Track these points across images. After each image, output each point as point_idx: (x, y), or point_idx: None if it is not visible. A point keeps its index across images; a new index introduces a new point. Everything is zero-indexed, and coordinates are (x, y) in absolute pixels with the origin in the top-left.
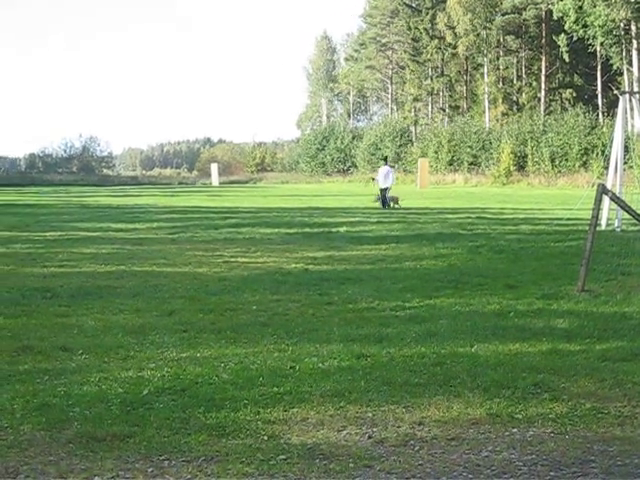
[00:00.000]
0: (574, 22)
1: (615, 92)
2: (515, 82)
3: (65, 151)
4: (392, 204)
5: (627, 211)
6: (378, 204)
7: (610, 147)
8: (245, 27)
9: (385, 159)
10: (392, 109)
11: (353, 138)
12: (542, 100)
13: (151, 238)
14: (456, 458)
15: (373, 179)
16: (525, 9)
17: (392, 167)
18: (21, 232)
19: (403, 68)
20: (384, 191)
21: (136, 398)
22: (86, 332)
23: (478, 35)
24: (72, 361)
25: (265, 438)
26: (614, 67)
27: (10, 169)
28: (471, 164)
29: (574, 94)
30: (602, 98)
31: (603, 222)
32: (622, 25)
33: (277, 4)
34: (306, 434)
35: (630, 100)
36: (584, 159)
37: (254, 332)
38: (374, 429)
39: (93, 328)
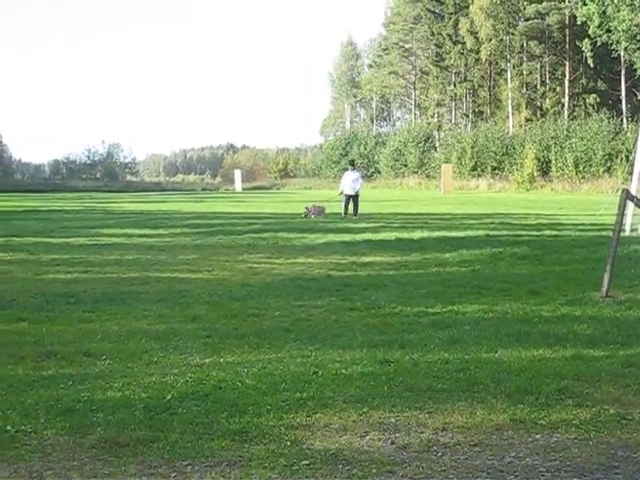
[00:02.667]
0: (598, 27)
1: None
2: (539, 87)
3: (89, 157)
4: (314, 215)
5: None
6: (306, 216)
7: (634, 152)
8: (270, 33)
9: (352, 163)
10: (415, 115)
11: (376, 144)
12: (566, 105)
13: (175, 244)
14: (479, 464)
15: (341, 193)
16: (548, 14)
17: (359, 172)
18: (45, 238)
19: (426, 74)
20: (353, 198)
21: (159, 403)
22: (110, 338)
23: (501, 40)
24: (96, 366)
25: (288, 443)
26: (638, 72)
27: (34, 175)
28: (495, 169)
29: (598, 99)
30: (626, 103)
31: (627, 227)
32: None
33: (302, 11)
34: (329, 439)
35: None
36: (608, 164)
37: (277, 338)
38: (397, 435)
39: (117, 334)
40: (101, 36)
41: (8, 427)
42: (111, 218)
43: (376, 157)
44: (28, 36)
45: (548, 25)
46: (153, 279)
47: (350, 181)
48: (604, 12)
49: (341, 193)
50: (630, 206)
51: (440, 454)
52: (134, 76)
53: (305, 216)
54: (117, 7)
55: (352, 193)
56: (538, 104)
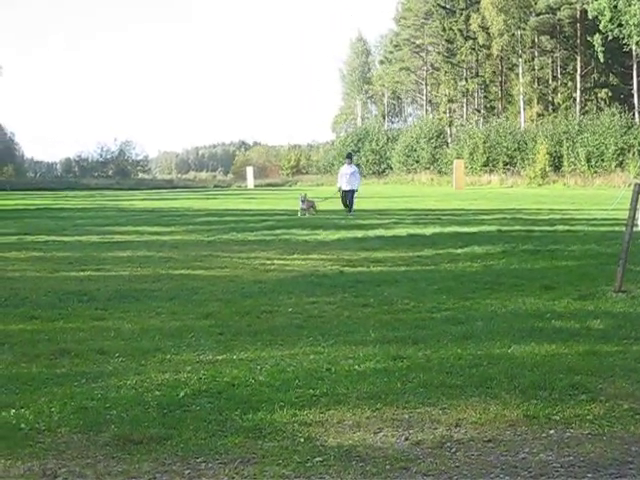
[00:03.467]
0: (609, 21)
1: None
2: (550, 82)
3: (101, 155)
4: (307, 212)
5: None
6: (300, 213)
7: None
8: (281, 29)
9: (349, 156)
10: (427, 110)
11: (388, 140)
12: (577, 100)
13: (187, 241)
14: (493, 460)
15: (339, 190)
16: (559, 9)
17: (357, 165)
18: (58, 236)
19: (437, 69)
20: (350, 193)
21: (173, 401)
22: (123, 335)
23: (512, 36)
24: (109, 364)
25: (301, 440)
26: None
27: (47, 174)
28: (506, 165)
29: (610, 94)
30: (638, 97)
31: None
32: None
33: (313, 6)
34: (342, 436)
35: None
36: (620, 159)
37: (290, 334)
38: (410, 431)
39: (130, 331)
40: (113, 34)
41: (22, 425)
42: (123, 216)
43: (388, 153)
44: (39, 35)
45: (559, 20)
46: (165, 276)
47: (347, 175)
48: (615, 6)
49: (339, 190)
50: None
51: (454, 450)
52: (146, 74)
53: (303, 213)
54: (132, 4)
55: (349, 188)
56: (550, 99)
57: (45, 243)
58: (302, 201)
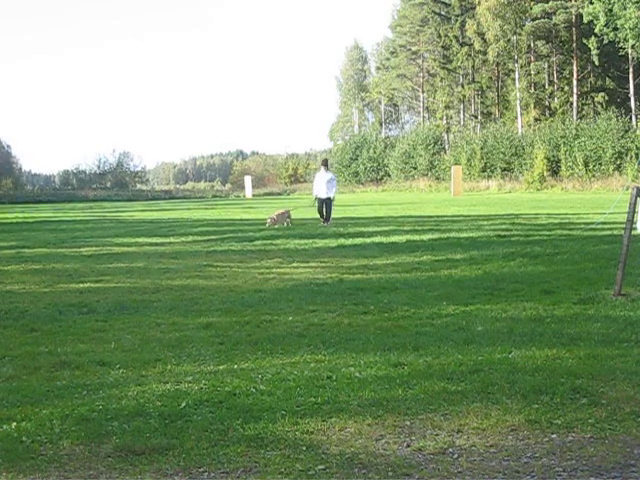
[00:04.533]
0: (604, 25)
1: None
2: (547, 87)
3: (99, 167)
4: (277, 224)
5: None
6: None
7: None
8: (276, 39)
9: (325, 163)
10: (424, 117)
11: (385, 147)
12: (574, 104)
13: (186, 251)
14: (495, 465)
15: (316, 198)
16: (555, 13)
17: (333, 173)
18: (57, 248)
19: (434, 76)
20: (327, 202)
21: (174, 411)
22: (123, 347)
23: (508, 41)
24: (110, 375)
25: (304, 448)
26: None
27: (44, 186)
28: (504, 170)
29: (606, 98)
30: (635, 101)
31: (638, 225)
32: None
33: (307, 15)
34: (344, 443)
35: None
36: (618, 162)
37: (291, 343)
38: (412, 437)
39: (130, 342)
40: (110, 45)
41: (23, 438)
42: (122, 227)
43: (385, 160)
44: (37, 46)
45: (555, 24)
46: (165, 287)
47: (323, 183)
48: (610, 10)
49: (316, 198)
50: None
51: (456, 456)
52: (143, 85)
53: (268, 226)
54: (128, 16)
55: (325, 196)
56: (546, 104)
57: (44, 256)
58: (273, 221)
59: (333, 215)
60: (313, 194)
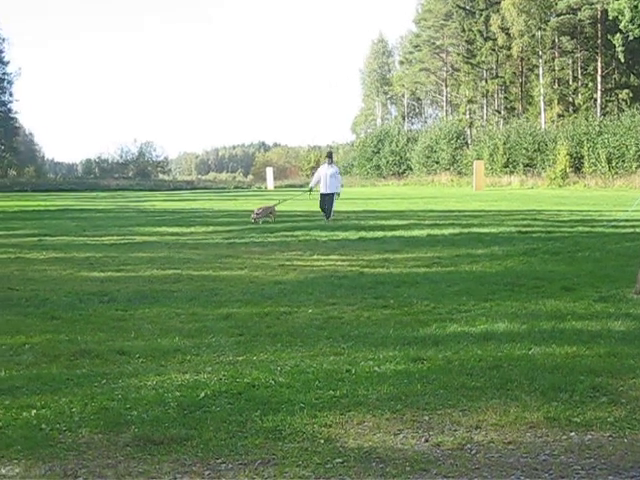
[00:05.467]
0: (629, 21)
1: None
2: (571, 83)
3: (121, 156)
4: (261, 219)
5: None
6: (253, 220)
7: None
8: (303, 31)
9: (329, 155)
10: (447, 111)
11: (408, 141)
12: (598, 101)
13: (207, 242)
14: (513, 462)
15: (311, 190)
16: (580, 9)
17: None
18: (78, 237)
19: (457, 70)
20: (329, 197)
21: (193, 401)
22: (143, 336)
23: (533, 36)
24: (129, 365)
25: (321, 441)
26: None
27: (67, 175)
28: (527, 166)
29: (630, 94)
30: None
31: None
32: None
33: (334, 8)
34: (362, 437)
35: None
36: None
37: (310, 335)
38: (430, 433)
39: (150, 332)
40: (134, 35)
41: (43, 425)
42: (143, 217)
43: (408, 154)
44: (59, 35)
45: (580, 20)
46: (185, 277)
47: (327, 177)
48: (635, 6)
49: (310, 190)
50: None
51: (474, 452)
52: (167, 75)
53: (254, 221)
54: (152, 5)
55: (328, 191)
56: (570, 100)
57: (66, 244)
58: (257, 215)
59: (336, 208)
60: (309, 185)
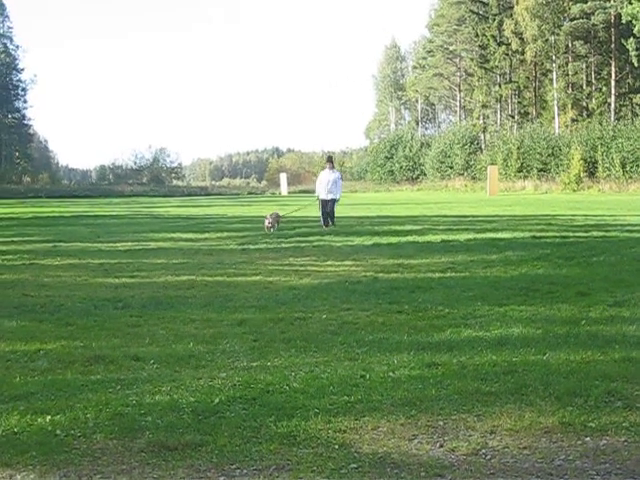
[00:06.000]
0: None
1: None
2: (584, 88)
3: (135, 162)
4: (272, 227)
5: None
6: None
7: None
8: (313, 36)
9: (330, 159)
10: (460, 116)
11: (421, 146)
12: (612, 105)
13: (221, 248)
14: (528, 467)
15: (317, 199)
16: (593, 14)
17: (339, 171)
18: (93, 243)
19: (471, 75)
20: (330, 203)
21: (208, 407)
22: (158, 342)
23: (546, 41)
24: (144, 370)
25: (336, 447)
26: None
27: (81, 181)
28: (541, 171)
29: None
30: None
31: None
32: None
33: (346, 13)
34: (377, 443)
35: None
36: None
37: (324, 341)
38: (445, 438)
39: (164, 338)
40: (147, 40)
41: (57, 431)
42: (158, 223)
43: (421, 159)
44: (73, 42)
45: (593, 25)
46: (200, 283)
47: (328, 182)
48: None
49: (317, 199)
50: None
51: (489, 457)
52: (181, 81)
53: (268, 230)
54: (165, 10)
55: (329, 197)
56: (584, 104)
57: (80, 250)
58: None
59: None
60: (315, 193)
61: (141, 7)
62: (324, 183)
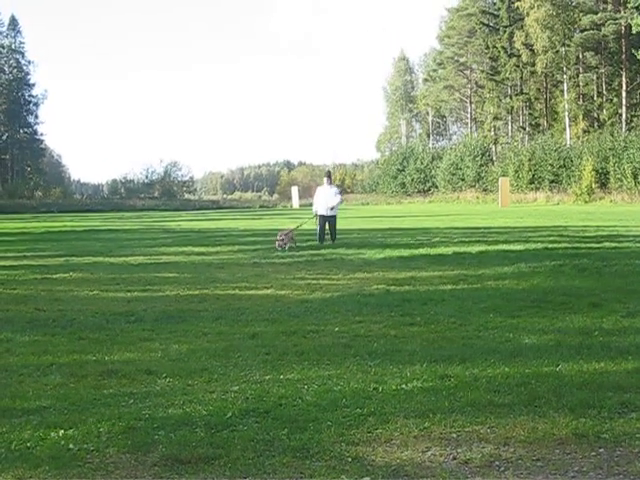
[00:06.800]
0: None
1: None
2: (595, 99)
3: (147, 177)
4: (287, 245)
5: None
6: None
7: None
8: (324, 50)
9: (328, 175)
10: (471, 128)
11: (433, 158)
12: (623, 116)
13: (233, 261)
14: (542, 479)
15: (315, 216)
16: (604, 25)
17: (338, 187)
18: (105, 257)
19: (482, 87)
20: (331, 220)
21: (220, 420)
22: (170, 355)
23: (557, 52)
24: (156, 384)
25: (349, 459)
26: None
27: (93, 195)
28: (552, 182)
29: None
30: None
31: None
32: None
33: (356, 25)
34: (390, 455)
35: None
36: None
37: (337, 354)
38: (458, 450)
39: (177, 351)
40: (158, 55)
41: (70, 445)
42: (169, 237)
43: (433, 172)
44: (85, 57)
45: (604, 36)
46: (212, 297)
47: (326, 198)
48: None
49: (315, 216)
50: None
51: (502, 469)
52: (192, 94)
53: (280, 248)
54: (177, 24)
55: (328, 214)
56: (595, 115)
57: (92, 264)
58: (284, 241)
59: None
60: (313, 209)
61: (155, 21)
62: (322, 199)
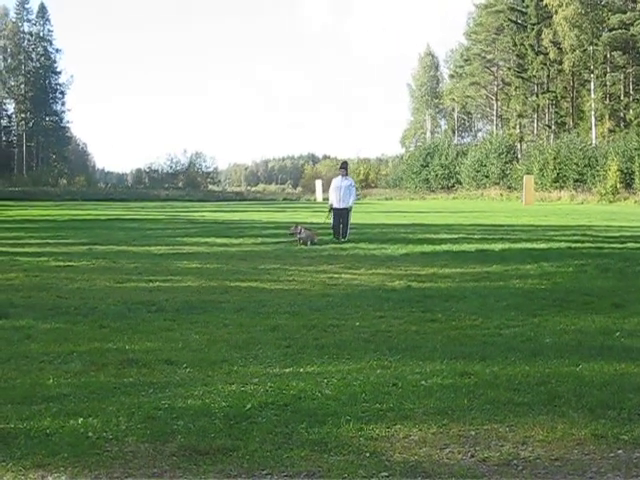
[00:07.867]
0: None
1: None
2: (622, 98)
3: (171, 167)
4: (307, 242)
5: None
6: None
7: None
8: (349, 43)
9: (344, 166)
10: (497, 126)
11: (457, 155)
12: None
13: (255, 253)
14: (560, 479)
15: (330, 209)
16: (633, 24)
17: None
18: (128, 246)
19: (508, 84)
20: (344, 213)
21: (239, 412)
22: (190, 346)
23: (585, 51)
24: (176, 375)
25: (367, 454)
26: None
27: (117, 184)
28: (577, 181)
29: None
30: None
31: None
32: None
33: (383, 19)
34: (408, 451)
35: None
36: None
37: (357, 348)
38: (477, 448)
39: (197, 342)
40: (184, 44)
41: (90, 433)
42: (193, 227)
43: (457, 168)
44: (111, 45)
45: (632, 35)
46: (233, 288)
47: (340, 189)
48: None
49: (330, 210)
50: None
51: (520, 468)
52: (217, 86)
53: (291, 234)
54: (203, 15)
55: (342, 206)
56: (621, 115)
57: (115, 253)
58: (297, 232)
59: (351, 221)
60: (329, 202)
61: (179, 9)
62: (337, 190)
